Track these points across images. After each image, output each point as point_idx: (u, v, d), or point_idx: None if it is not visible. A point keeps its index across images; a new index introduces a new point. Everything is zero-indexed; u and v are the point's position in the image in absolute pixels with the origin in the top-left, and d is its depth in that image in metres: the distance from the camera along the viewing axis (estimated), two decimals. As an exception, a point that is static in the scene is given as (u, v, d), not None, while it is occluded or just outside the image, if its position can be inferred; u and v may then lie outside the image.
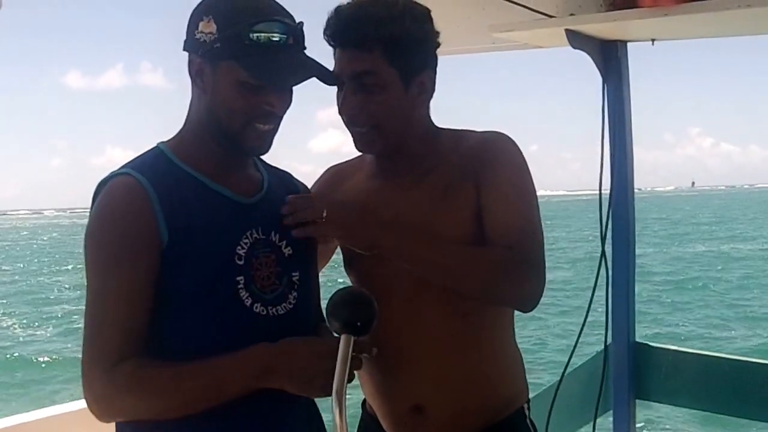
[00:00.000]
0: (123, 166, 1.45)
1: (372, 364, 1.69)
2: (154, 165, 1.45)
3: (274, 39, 1.39)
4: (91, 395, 1.37)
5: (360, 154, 1.74)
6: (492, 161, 1.64)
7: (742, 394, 2.56)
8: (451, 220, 1.62)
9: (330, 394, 1.29)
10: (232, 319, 1.42)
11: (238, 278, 1.42)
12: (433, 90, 1.69)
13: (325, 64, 1.49)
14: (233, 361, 1.36)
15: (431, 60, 1.68)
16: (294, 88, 1.46)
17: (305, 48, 1.45)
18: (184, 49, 1.46)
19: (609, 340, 2.74)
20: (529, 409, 1.76)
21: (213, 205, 1.45)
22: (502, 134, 1.70)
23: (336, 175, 1.83)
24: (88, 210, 1.46)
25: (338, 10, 1.62)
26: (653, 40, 2.53)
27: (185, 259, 1.39)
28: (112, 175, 1.44)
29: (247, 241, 1.45)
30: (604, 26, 2.41)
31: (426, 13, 1.67)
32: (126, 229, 1.38)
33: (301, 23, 1.44)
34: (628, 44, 2.65)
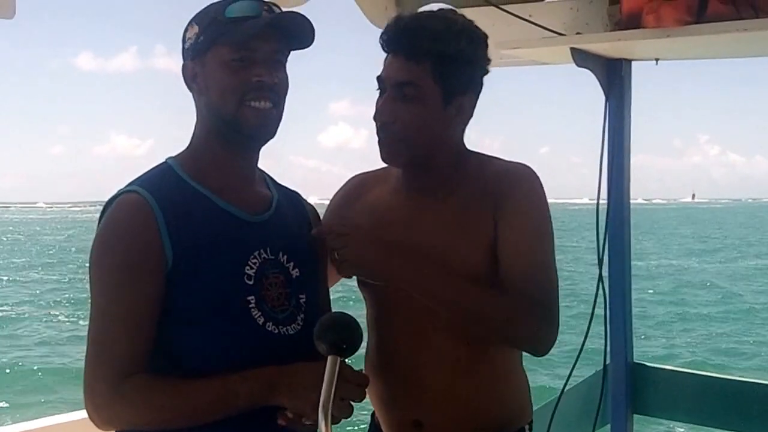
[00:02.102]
0: (131, 183, 1.46)
1: (379, 377, 1.73)
2: (161, 181, 1.46)
3: (249, 14, 1.42)
4: (95, 410, 1.38)
5: (385, 165, 1.73)
6: (513, 197, 1.63)
7: (735, 410, 2.59)
8: (465, 246, 1.62)
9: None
10: (245, 338, 1.43)
11: (249, 298, 1.43)
12: (470, 114, 1.69)
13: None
14: (241, 377, 1.37)
15: (476, 84, 1.67)
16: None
17: (282, 18, 1.46)
18: (183, 66, 1.49)
19: (608, 360, 2.76)
20: (530, 430, 1.77)
21: (220, 222, 1.45)
22: (527, 169, 1.68)
23: (360, 184, 1.83)
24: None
25: (398, 18, 1.65)
26: (657, 60, 2.56)
27: (192, 277, 1.40)
28: (120, 193, 1.45)
29: (255, 261, 1.46)
30: (609, 45, 2.45)
31: (483, 37, 1.66)
32: (130, 248, 1.39)
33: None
34: (633, 63, 2.67)
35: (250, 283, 1.44)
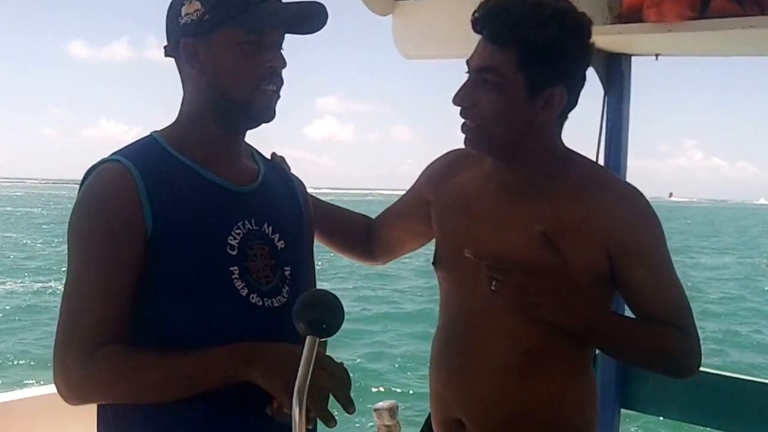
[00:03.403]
0: (113, 153, 1.44)
1: (434, 371, 1.73)
2: (145, 152, 1.44)
3: None
4: (63, 379, 1.35)
5: None
6: (631, 230, 1.59)
7: (726, 408, 2.59)
8: (563, 266, 1.56)
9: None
10: (227, 308, 1.41)
11: (232, 268, 1.42)
12: (564, 109, 1.60)
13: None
14: (214, 354, 1.35)
15: (570, 76, 1.58)
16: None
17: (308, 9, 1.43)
18: (170, 41, 1.46)
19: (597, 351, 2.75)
20: None
21: (204, 193, 1.44)
22: (640, 196, 1.63)
23: (459, 160, 1.77)
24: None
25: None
26: (657, 55, 2.55)
27: (173, 246, 1.39)
28: (102, 162, 1.43)
29: (239, 231, 1.44)
30: (609, 39, 2.42)
31: (579, 26, 1.57)
32: (110, 216, 1.38)
33: None
34: (633, 58, 2.66)
35: (233, 253, 1.42)
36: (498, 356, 1.63)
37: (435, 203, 1.78)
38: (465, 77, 1.61)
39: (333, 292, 1.31)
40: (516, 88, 1.54)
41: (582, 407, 1.71)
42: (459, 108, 1.60)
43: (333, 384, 1.30)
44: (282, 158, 1.74)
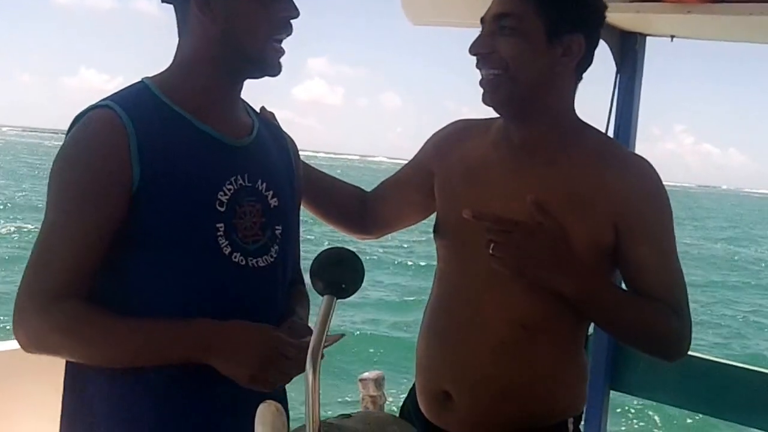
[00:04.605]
0: (104, 99, 1.38)
1: (424, 340, 1.70)
2: (137, 100, 1.38)
3: None
4: (22, 328, 1.32)
5: (491, 116, 1.65)
6: (641, 205, 1.57)
7: (717, 395, 2.60)
8: (570, 233, 1.54)
9: (262, 389, 1.30)
10: (206, 267, 1.38)
11: (218, 225, 1.38)
12: (581, 61, 1.57)
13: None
14: (175, 330, 1.33)
15: (587, 26, 1.57)
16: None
17: None
18: None
19: (589, 331, 2.75)
20: (575, 423, 1.70)
21: (196, 145, 1.39)
22: (651, 169, 1.60)
23: (463, 130, 1.75)
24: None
25: None
26: (672, 37, 2.51)
27: (159, 202, 1.34)
28: (92, 107, 1.38)
29: (231, 187, 1.40)
30: (626, 17, 2.39)
31: None
32: (96, 167, 1.33)
33: None
34: (647, 39, 2.62)
35: (222, 209, 1.38)
36: (493, 329, 1.61)
37: (438, 174, 1.75)
38: (466, 43, 1.58)
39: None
40: (535, 32, 1.52)
41: (572, 387, 1.70)
42: (476, 56, 1.57)
43: (290, 370, 1.33)
44: (272, 114, 1.68)
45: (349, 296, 1.26)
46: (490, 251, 1.50)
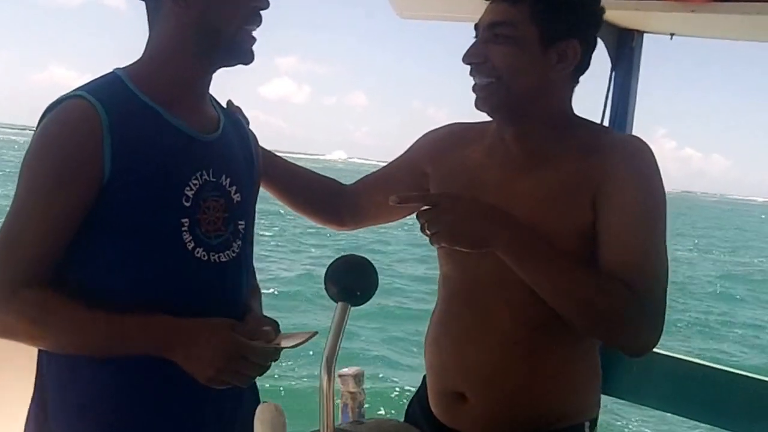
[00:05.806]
0: (77, 89, 1.38)
1: (435, 343, 1.68)
2: (110, 91, 1.38)
3: None
4: None
5: (485, 120, 1.62)
6: (617, 175, 1.48)
7: (710, 401, 2.56)
8: (555, 228, 1.49)
9: (219, 386, 1.33)
10: (170, 262, 1.38)
11: (183, 220, 1.38)
12: (577, 66, 1.53)
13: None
14: (137, 325, 1.34)
15: (582, 31, 1.54)
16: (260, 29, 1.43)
17: None
18: None
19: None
20: (591, 427, 1.66)
21: (167, 139, 1.40)
22: (638, 141, 1.55)
23: (456, 135, 1.72)
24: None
25: None
26: (672, 35, 2.46)
27: (128, 193, 1.34)
28: (66, 97, 1.37)
29: (196, 182, 1.41)
30: (624, 14, 2.34)
31: None
32: (70, 154, 1.32)
33: None
34: (645, 36, 2.56)
35: (187, 204, 1.39)
36: (505, 330, 1.59)
37: (433, 175, 1.73)
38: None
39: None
40: (530, 39, 1.50)
41: (585, 386, 1.68)
42: (469, 65, 1.55)
43: (248, 372, 1.35)
44: (239, 108, 1.68)
45: (362, 303, 1.26)
46: (426, 234, 1.48)
